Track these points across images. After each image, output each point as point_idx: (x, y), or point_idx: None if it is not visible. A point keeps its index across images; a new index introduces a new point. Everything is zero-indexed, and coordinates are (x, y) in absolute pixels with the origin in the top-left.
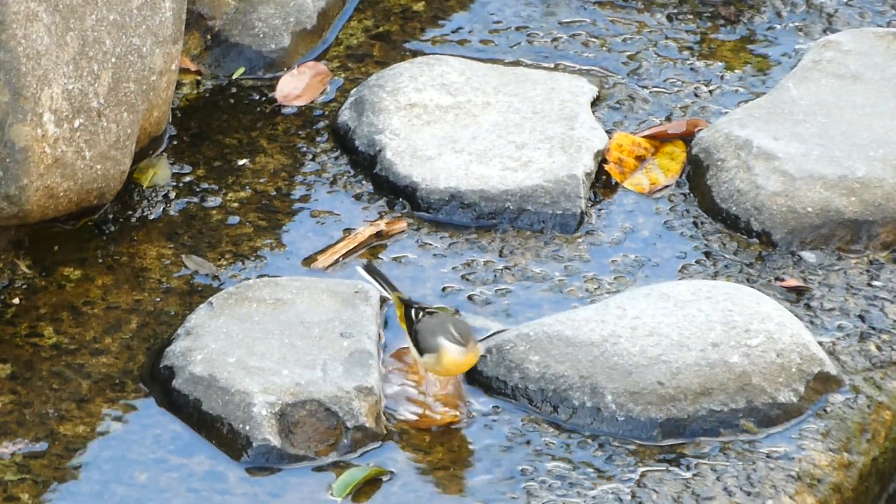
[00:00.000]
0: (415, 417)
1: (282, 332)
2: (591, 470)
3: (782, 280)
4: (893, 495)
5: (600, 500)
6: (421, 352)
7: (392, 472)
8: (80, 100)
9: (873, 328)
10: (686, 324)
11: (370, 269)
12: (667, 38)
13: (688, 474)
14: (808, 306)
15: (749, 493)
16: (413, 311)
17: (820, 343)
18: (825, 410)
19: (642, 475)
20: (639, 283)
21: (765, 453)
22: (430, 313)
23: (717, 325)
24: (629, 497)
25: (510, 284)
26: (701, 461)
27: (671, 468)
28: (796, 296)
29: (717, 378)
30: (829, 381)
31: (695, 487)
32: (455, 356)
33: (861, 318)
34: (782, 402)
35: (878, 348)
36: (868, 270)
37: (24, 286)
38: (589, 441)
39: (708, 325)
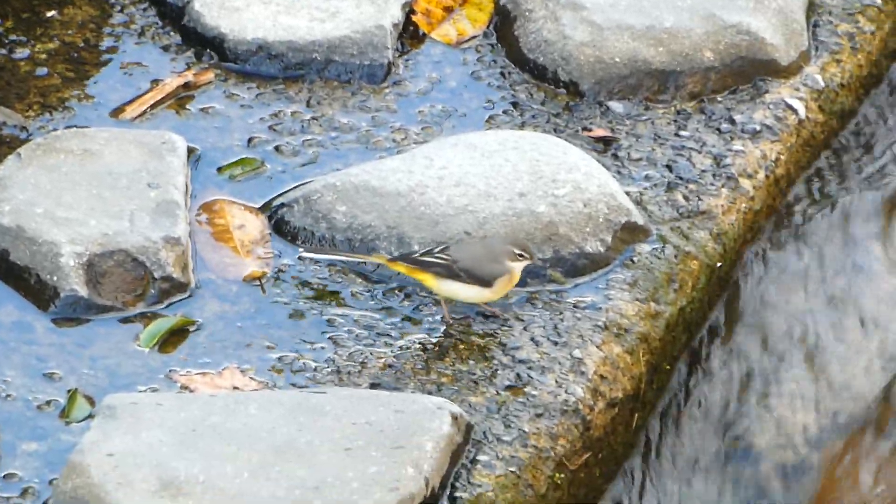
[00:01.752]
0: (222, 267)
1: (90, 182)
2: (398, 319)
3: (590, 130)
4: (700, 344)
5: (407, 350)
6: (489, 283)
7: (199, 322)
8: None
9: (680, 178)
10: (493, 174)
11: (320, 251)
12: None
13: (495, 324)
14: (615, 156)
15: (556, 343)
16: (432, 258)
17: (627, 193)
18: (632, 260)
19: (449, 325)
20: (446, 133)
21: (572, 303)
22: (442, 249)
23: (525, 175)
24: (436, 346)
25: (317, 135)
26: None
27: (478, 317)
28: (604, 146)
29: (524, 228)
30: (636, 231)
31: (502, 337)
32: (513, 281)
33: (668, 167)
34: (589, 252)
35: (686, 198)
36: (675, 121)
37: None
38: (396, 291)
39: (515, 175)
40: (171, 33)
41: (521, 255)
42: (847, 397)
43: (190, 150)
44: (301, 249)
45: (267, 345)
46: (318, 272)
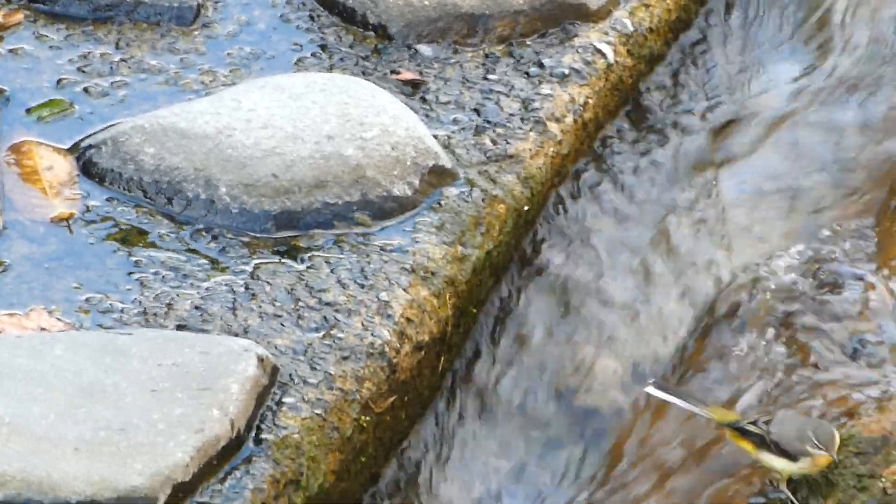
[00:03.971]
0: (30, 208)
1: None
2: (204, 261)
3: (398, 73)
4: (506, 287)
5: (213, 292)
6: (795, 458)
7: (6, 264)
8: None
9: (488, 122)
10: (301, 116)
11: (664, 388)
12: None
13: (301, 266)
14: (423, 100)
15: (363, 286)
16: (753, 427)
17: (435, 136)
18: (440, 204)
19: (256, 267)
20: (254, 75)
21: (379, 246)
22: (766, 422)
23: (332, 118)
24: (242, 289)
25: (126, 76)
26: (315, 254)
27: (285, 260)
28: (412, 89)
29: (332, 171)
30: (443, 175)
31: (308, 280)
32: (826, 458)
33: (476, 111)
34: (397, 195)
35: (494, 142)
36: (484, 64)
37: None
38: (203, 233)
39: (323, 118)
40: None
41: (818, 447)
42: (656, 342)
43: None
44: (651, 386)
45: (74, 286)
46: (126, 213)
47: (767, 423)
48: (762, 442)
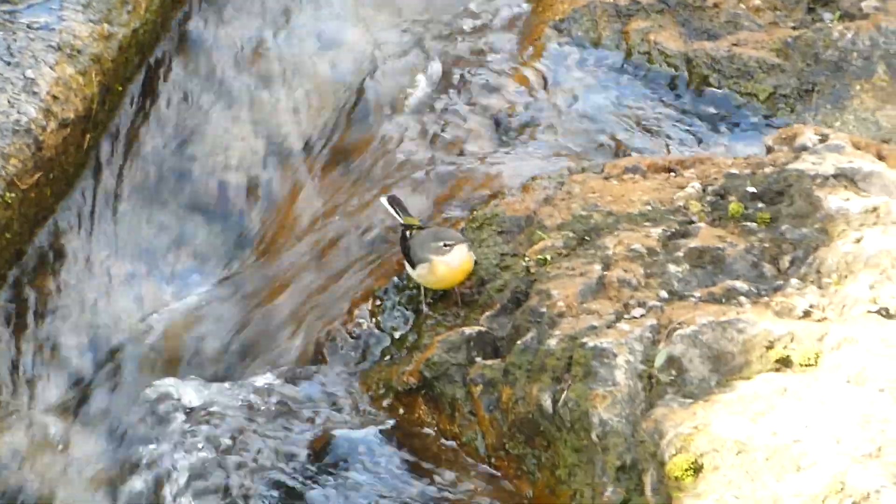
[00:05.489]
0: None
1: None
2: None
3: None
4: (153, 66)
5: None
6: (413, 265)
7: None
8: None
9: None
10: None
11: (392, 201)
12: None
13: None
14: None
15: (9, 64)
16: (407, 231)
17: None
18: None
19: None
20: None
21: (25, 24)
22: (421, 228)
23: None
24: None
25: None
26: None
27: None
28: None
29: None
30: None
31: None
32: (446, 266)
33: None
34: None
35: None
36: None
37: None
38: None
39: None
40: None
41: (446, 246)
42: (303, 119)
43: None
44: (382, 199)
45: None
46: None
47: (421, 229)
48: (403, 247)
